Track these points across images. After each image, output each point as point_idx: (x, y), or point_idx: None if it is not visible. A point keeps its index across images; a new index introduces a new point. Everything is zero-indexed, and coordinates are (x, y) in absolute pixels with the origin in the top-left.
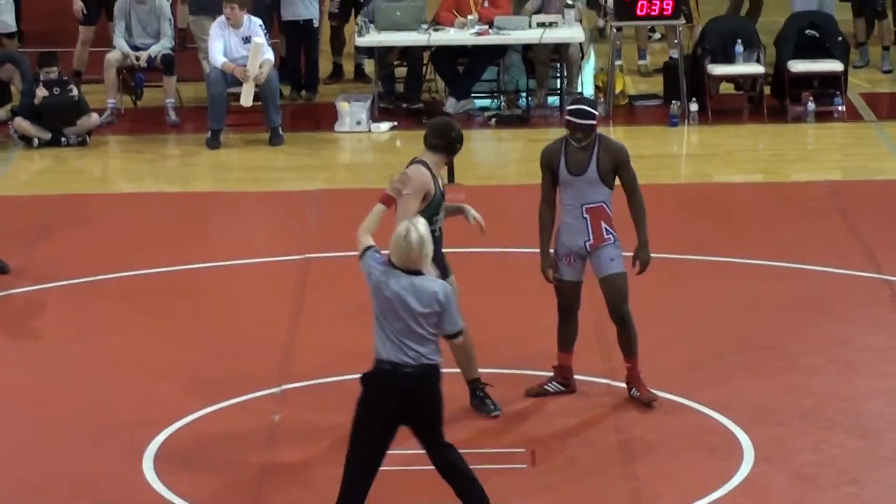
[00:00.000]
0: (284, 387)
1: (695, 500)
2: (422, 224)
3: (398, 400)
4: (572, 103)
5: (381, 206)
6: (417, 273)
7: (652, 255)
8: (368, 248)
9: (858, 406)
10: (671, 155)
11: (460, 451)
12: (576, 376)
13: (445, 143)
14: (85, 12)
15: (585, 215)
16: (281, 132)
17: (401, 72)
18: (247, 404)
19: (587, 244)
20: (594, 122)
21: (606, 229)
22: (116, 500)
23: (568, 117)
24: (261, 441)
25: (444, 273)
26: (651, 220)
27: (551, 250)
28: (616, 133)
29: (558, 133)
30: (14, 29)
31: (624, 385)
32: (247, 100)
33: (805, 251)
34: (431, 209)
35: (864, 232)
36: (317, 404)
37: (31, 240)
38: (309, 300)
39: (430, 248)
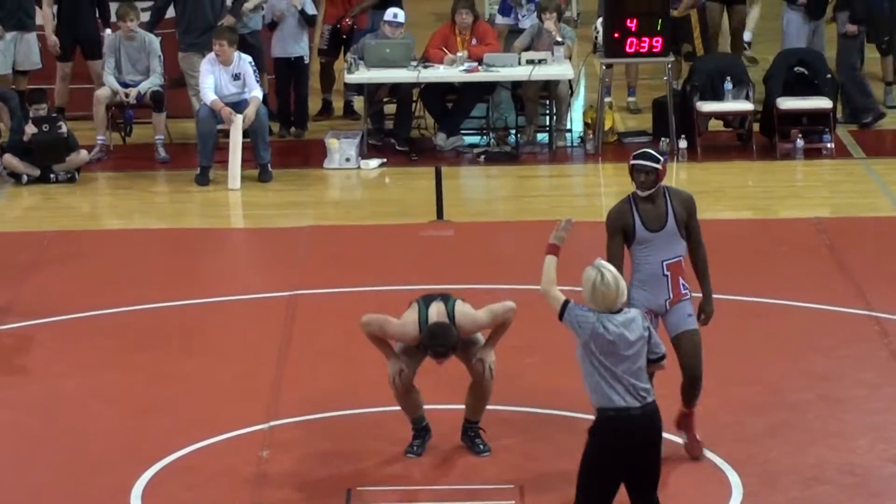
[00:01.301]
0: (273, 423)
1: None
2: (607, 264)
3: (635, 446)
4: (635, 155)
5: (552, 257)
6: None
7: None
8: (567, 301)
9: (848, 443)
10: None
11: (449, 487)
12: (564, 412)
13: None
14: (59, 49)
15: (667, 272)
16: (270, 169)
17: (390, 109)
18: (235, 441)
19: (667, 302)
20: (658, 165)
21: (683, 284)
22: None
23: (633, 162)
24: (249, 478)
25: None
26: None
27: None
28: (605, 170)
29: (547, 170)
30: (40, 65)
31: None
32: (234, 182)
33: (793, 287)
34: None
35: (853, 268)
36: (306, 440)
37: (20, 276)
38: (297, 336)
39: (624, 284)
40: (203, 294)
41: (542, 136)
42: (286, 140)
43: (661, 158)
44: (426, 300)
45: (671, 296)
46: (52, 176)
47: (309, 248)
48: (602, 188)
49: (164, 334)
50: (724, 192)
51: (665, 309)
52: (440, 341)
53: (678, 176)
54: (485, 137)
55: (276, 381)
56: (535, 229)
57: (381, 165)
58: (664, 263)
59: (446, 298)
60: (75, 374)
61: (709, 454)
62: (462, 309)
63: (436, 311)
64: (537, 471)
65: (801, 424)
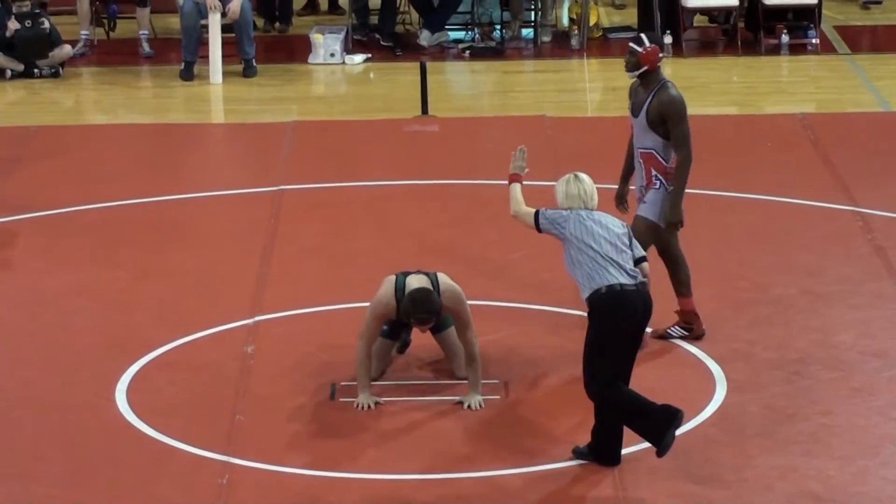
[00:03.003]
0: (257, 318)
1: None
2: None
3: (636, 318)
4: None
5: (516, 184)
6: None
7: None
8: (537, 210)
9: (830, 338)
10: None
11: (433, 382)
12: (549, 307)
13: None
14: None
15: (640, 160)
16: (255, 64)
17: (375, 3)
18: (219, 336)
19: (642, 187)
20: (639, 48)
21: (656, 175)
22: (88, 432)
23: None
24: (234, 373)
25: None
26: (623, 151)
27: (631, 187)
28: (590, 65)
29: (532, 65)
30: None
31: None
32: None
33: (778, 183)
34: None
35: (837, 164)
36: (290, 336)
37: (3, 171)
38: (282, 231)
39: (594, 187)
40: (187, 189)
41: (528, 32)
42: (271, 35)
43: (646, 44)
44: (403, 273)
45: (644, 182)
46: (35, 71)
47: (293, 143)
48: (587, 83)
49: (148, 230)
50: (708, 87)
51: (641, 193)
52: (422, 307)
53: (663, 72)
54: (470, 33)
55: (260, 277)
56: (519, 124)
57: (366, 61)
58: (638, 150)
59: (427, 273)
60: (59, 270)
61: (693, 349)
62: (447, 279)
63: (416, 280)
64: (522, 365)
65: (784, 319)
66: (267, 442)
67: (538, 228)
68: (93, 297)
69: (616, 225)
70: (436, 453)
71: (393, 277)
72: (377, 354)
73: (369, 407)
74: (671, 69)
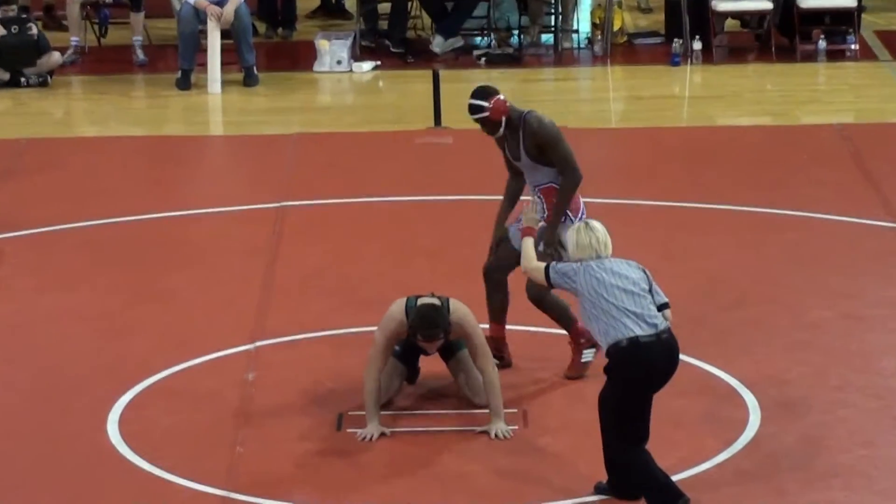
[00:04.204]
0: (259, 343)
1: (696, 464)
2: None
3: (655, 373)
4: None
5: (529, 238)
6: None
7: (651, 202)
8: (546, 264)
9: (871, 364)
10: (672, 96)
11: (448, 412)
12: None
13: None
14: None
15: (539, 196)
16: (256, 72)
17: (385, 7)
18: (218, 362)
19: (544, 219)
20: (484, 114)
21: None
22: (78, 464)
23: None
24: (234, 401)
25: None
26: (650, 165)
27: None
28: (614, 73)
29: (551, 74)
30: None
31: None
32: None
33: (814, 198)
34: None
35: (878, 178)
36: (293, 362)
37: None
38: (285, 251)
39: (608, 235)
40: (184, 206)
41: (547, 38)
42: (273, 41)
43: (484, 104)
44: (415, 297)
45: (545, 214)
46: (22, 80)
47: (297, 156)
48: (611, 93)
49: (143, 249)
50: (740, 96)
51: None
52: (429, 322)
53: (692, 79)
54: (486, 39)
55: (262, 299)
56: None
57: (375, 68)
58: (535, 189)
59: (439, 297)
60: (49, 291)
61: (724, 376)
62: (459, 304)
63: (427, 299)
64: (541, 393)
65: (821, 344)
66: (269, 475)
67: (549, 284)
68: (85, 320)
69: (633, 270)
70: (450, 488)
71: (403, 299)
72: (386, 376)
73: (379, 437)
74: (701, 77)
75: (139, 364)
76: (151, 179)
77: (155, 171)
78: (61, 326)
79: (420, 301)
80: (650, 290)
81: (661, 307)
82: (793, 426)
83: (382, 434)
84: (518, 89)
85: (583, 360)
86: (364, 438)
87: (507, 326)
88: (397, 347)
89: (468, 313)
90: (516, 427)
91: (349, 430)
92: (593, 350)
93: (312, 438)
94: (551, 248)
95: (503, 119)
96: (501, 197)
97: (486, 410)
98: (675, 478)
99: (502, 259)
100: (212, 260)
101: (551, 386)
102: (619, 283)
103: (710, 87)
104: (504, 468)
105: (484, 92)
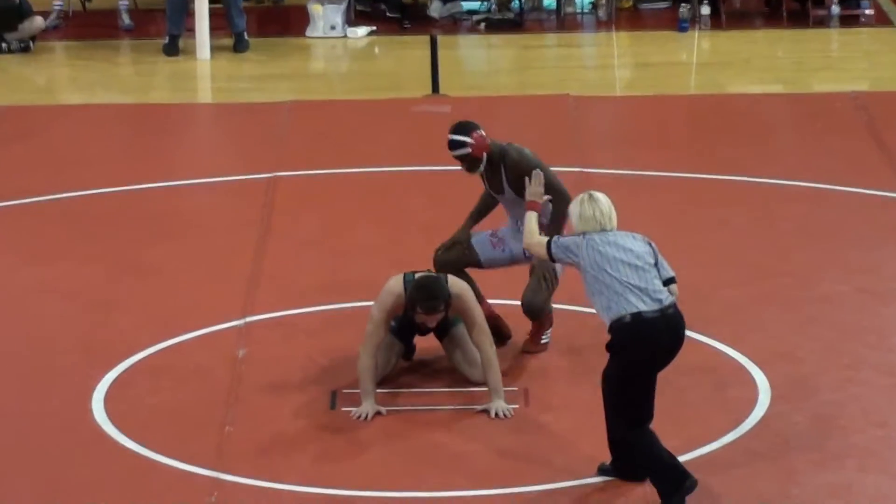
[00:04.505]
0: (249, 319)
1: (704, 444)
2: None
3: (660, 351)
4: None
5: (532, 213)
6: None
7: (657, 173)
8: (549, 239)
9: (886, 340)
10: (680, 63)
11: (447, 389)
12: (572, 307)
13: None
14: None
15: (521, 226)
16: (246, 37)
17: None
18: (207, 338)
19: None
20: (466, 150)
21: None
22: (61, 446)
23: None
24: (223, 379)
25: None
26: (656, 134)
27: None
28: (619, 39)
29: (554, 39)
30: None
31: None
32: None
33: (828, 169)
34: None
35: (894, 148)
36: (285, 338)
37: None
38: (276, 223)
39: (613, 207)
40: (172, 176)
41: (549, 2)
42: (263, 6)
43: (468, 140)
44: (411, 272)
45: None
46: (3, 45)
47: (289, 125)
48: (616, 59)
49: (128, 221)
50: (750, 63)
51: (524, 255)
52: (430, 293)
53: (700, 46)
54: (485, 3)
55: (252, 274)
56: (540, 105)
57: (370, 34)
58: (518, 222)
59: (437, 274)
60: (30, 265)
61: (732, 353)
62: (456, 279)
63: (424, 273)
64: (543, 371)
65: (833, 320)
66: (260, 455)
67: (552, 258)
68: (67, 296)
69: (638, 244)
70: (448, 468)
71: (401, 274)
72: (382, 352)
73: (374, 416)
74: (709, 43)
75: (124, 341)
76: (137, 149)
77: (141, 141)
78: (42, 302)
79: (419, 275)
80: (656, 265)
81: (668, 282)
82: (804, 405)
83: (378, 413)
84: (519, 56)
85: (542, 341)
86: (359, 417)
87: (506, 301)
88: (394, 323)
89: (467, 289)
90: (517, 406)
91: (343, 409)
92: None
93: (305, 417)
94: (543, 272)
95: (484, 155)
96: (475, 205)
97: (485, 388)
98: (681, 458)
99: (451, 261)
100: (200, 233)
101: (553, 363)
102: (623, 257)
103: (718, 53)
104: (504, 448)
105: (464, 127)
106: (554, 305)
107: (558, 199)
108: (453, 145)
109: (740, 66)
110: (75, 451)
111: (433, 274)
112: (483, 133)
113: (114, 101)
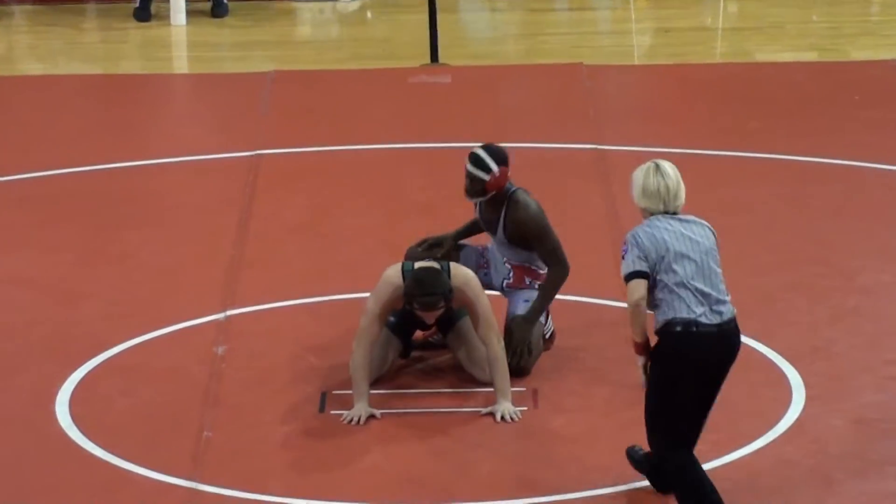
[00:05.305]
0: (230, 312)
1: (732, 449)
2: (661, 161)
3: (714, 360)
4: (471, 153)
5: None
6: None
7: (678, 150)
8: (625, 278)
9: None
10: (705, 28)
11: (448, 390)
12: (586, 298)
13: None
14: None
15: (508, 265)
16: (225, 1)
17: None
18: (184, 334)
19: (504, 282)
20: (486, 176)
21: (530, 281)
22: (22, 453)
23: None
24: (201, 379)
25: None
26: (678, 107)
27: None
28: (638, 2)
29: (565, 2)
30: None
31: None
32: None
33: (867, 145)
34: None
35: None
36: (270, 333)
37: None
38: (260, 206)
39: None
40: (144, 155)
41: None
42: None
43: (493, 170)
44: (410, 261)
45: (512, 281)
46: None
47: (273, 98)
48: (633, 24)
49: (96, 204)
50: (783, 29)
51: (501, 288)
52: (427, 287)
53: (727, 9)
54: None
55: (233, 262)
56: (551, 74)
57: None
58: (505, 260)
59: (439, 261)
60: None
61: (763, 349)
62: (460, 268)
63: (426, 262)
64: (554, 369)
65: (874, 312)
66: (241, 464)
67: (627, 281)
68: (28, 286)
69: (705, 235)
70: (450, 477)
71: (399, 263)
72: (377, 349)
73: (367, 420)
74: (737, 7)
75: (92, 336)
76: (105, 125)
77: (109, 116)
78: (1, 294)
79: (416, 266)
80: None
81: None
82: (841, 406)
83: (372, 416)
84: (526, 21)
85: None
86: (350, 421)
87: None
88: (392, 318)
89: (472, 277)
90: (525, 408)
91: (333, 412)
92: None
93: (291, 421)
94: (521, 345)
95: (493, 193)
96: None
97: (492, 389)
98: (707, 466)
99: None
100: (175, 217)
101: (565, 360)
102: (685, 251)
103: (747, 17)
104: (511, 455)
105: (497, 154)
106: (569, 297)
107: (558, 268)
108: (477, 163)
109: (771, 32)
110: (35, 460)
111: (434, 265)
112: (508, 171)
113: (79, 71)
